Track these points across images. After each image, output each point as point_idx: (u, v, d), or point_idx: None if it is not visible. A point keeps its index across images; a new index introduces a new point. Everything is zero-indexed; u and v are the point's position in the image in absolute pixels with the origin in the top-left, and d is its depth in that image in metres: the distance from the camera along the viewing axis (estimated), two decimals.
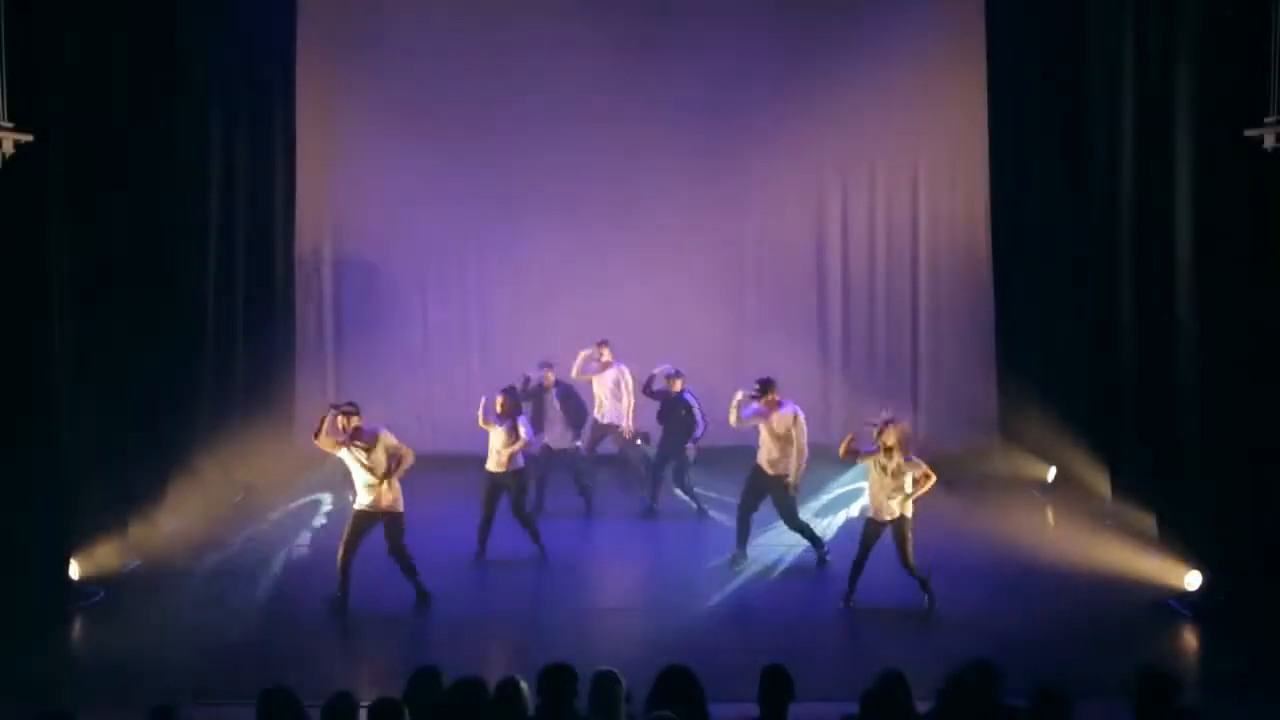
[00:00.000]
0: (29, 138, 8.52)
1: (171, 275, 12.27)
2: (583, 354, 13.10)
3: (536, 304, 15.54)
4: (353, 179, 15.42)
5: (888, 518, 9.74)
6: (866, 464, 9.84)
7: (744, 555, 11.01)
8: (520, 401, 11.49)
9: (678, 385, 12.54)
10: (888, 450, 9.66)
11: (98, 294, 10.72)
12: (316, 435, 9.82)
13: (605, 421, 13.17)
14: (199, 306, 13.10)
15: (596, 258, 15.30)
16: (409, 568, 9.92)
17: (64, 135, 9.93)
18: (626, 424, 13.10)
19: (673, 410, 12.51)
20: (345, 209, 15.64)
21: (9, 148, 8.30)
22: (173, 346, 12.29)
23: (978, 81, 14.85)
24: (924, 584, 9.78)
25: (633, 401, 13.08)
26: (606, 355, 13.11)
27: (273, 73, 14.67)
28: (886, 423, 9.74)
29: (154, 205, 11.82)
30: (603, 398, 13.15)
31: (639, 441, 13.28)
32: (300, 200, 15.16)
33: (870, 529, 9.88)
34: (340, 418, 9.74)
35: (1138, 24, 11.19)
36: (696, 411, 12.43)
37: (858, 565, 9.90)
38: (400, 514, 9.84)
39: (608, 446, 13.50)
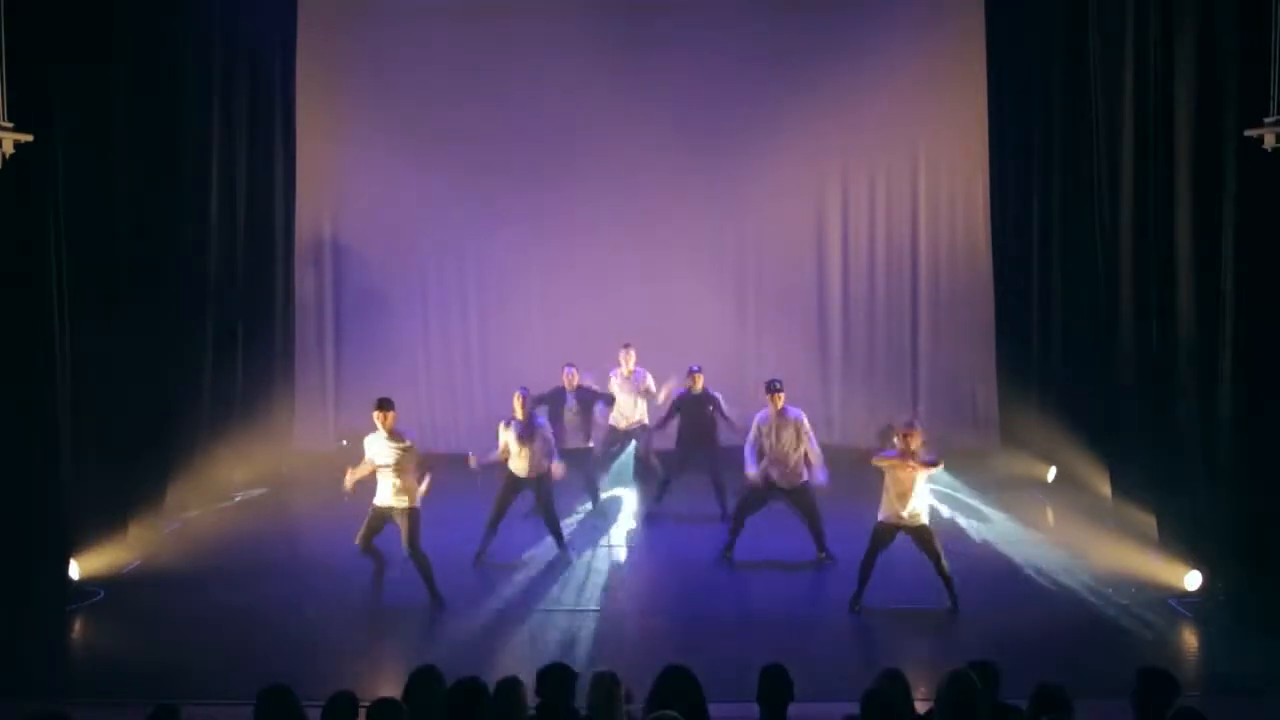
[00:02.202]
0: (29, 138, 8.51)
1: (171, 275, 12.28)
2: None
3: (536, 304, 15.57)
4: (353, 180, 15.43)
5: (901, 523, 9.72)
6: (884, 467, 9.79)
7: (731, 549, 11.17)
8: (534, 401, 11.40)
9: (699, 383, 12.47)
10: (907, 454, 9.64)
11: (97, 294, 10.72)
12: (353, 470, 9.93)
13: (624, 427, 13.12)
14: (199, 306, 13.11)
15: (597, 257, 15.31)
16: (426, 568, 9.89)
17: (64, 135, 9.93)
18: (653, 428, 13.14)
19: (698, 407, 12.42)
20: (345, 210, 15.65)
21: (9, 148, 8.29)
22: (173, 346, 12.30)
23: (978, 81, 14.87)
24: (949, 585, 9.76)
25: (656, 401, 13.10)
26: (632, 360, 13.08)
27: (273, 74, 14.70)
28: (909, 425, 9.72)
29: (154, 206, 11.83)
30: (625, 403, 13.08)
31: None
32: (300, 201, 15.18)
33: (881, 532, 9.82)
34: (378, 413, 9.75)
35: (1138, 23, 11.19)
36: (723, 404, 12.41)
37: (866, 569, 9.80)
38: (417, 509, 9.88)
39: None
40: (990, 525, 12.31)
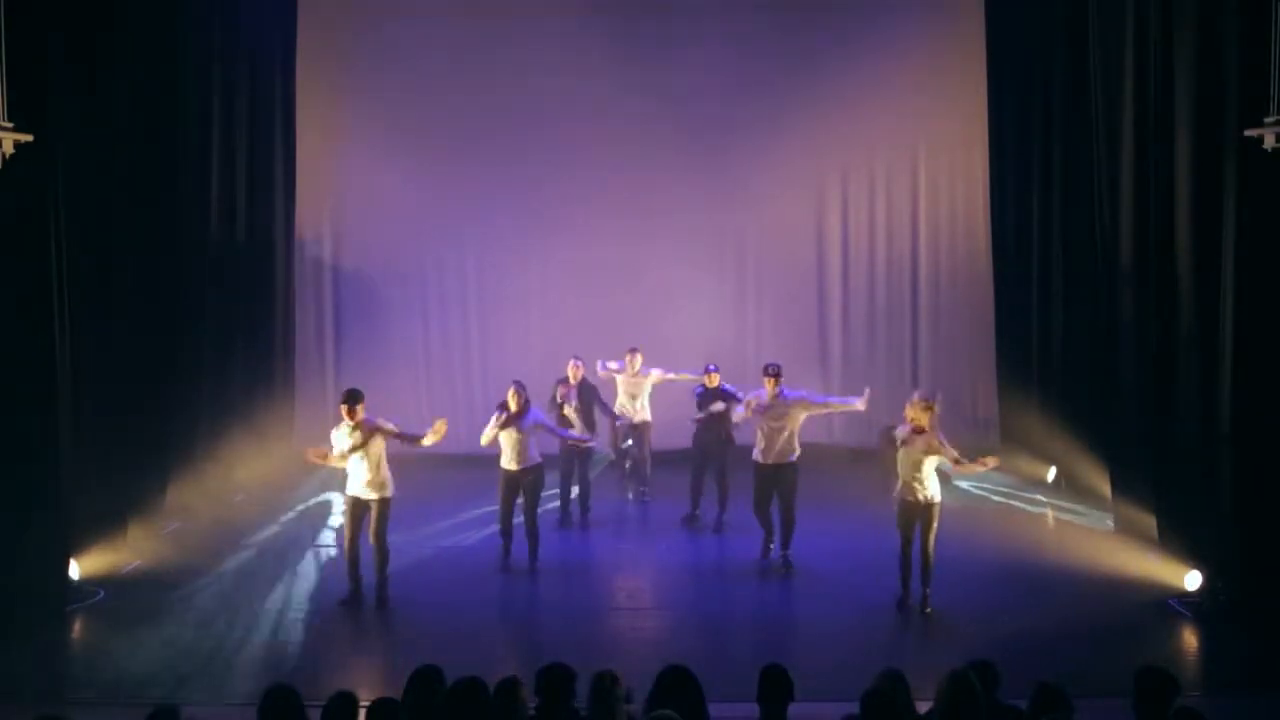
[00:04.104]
0: (29, 138, 8.51)
1: (171, 275, 12.27)
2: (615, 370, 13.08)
3: (537, 303, 15.57)
4: (353, 178, 15.42)
5: (920, 499, 9.69)
6: (900, 439, 9.77)
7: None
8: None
9: (715, 380, 12.30)
10: (918, 429, 9.64)
11: (97, 294, 10.72)
12: (323, 457, 9.94)
13: (636, 421, 13.04)
14: (199, 306, 13.09)
15: (597, 255, 15.30)
16: (384, 559, 9.99)
17: (64, 135, 9.92)
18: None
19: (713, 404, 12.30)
20: (346, 208, 15.65)
21: (9, 148, 8.29)
22: (172, 346, 12.29)
23: (978, 80, 14.87)
24: (927, 577, 9.75)
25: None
26: (638, 363, 13.00)
27: (273, 74, 14.69)
28: (930, 398, 9.74)
29: (154, 206, 11.82)
30: (628, 401, 13.00)
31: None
32: (300, 200, 15.18)
33: (903, 511, 9.78)
34: (345, 408, 9.80)
35: (1138, 23, 11.19)
36: (738, 396, 12.30)
37: (905, 557, 9.80)
38: (389, 499, 9.93)
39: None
40: (990, 525, 12.31)
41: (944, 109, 15.35)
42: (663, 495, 13.18)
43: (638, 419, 13.06)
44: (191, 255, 12.91)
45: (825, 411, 11.23)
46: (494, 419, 10.71)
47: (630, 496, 13.33)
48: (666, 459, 13.48)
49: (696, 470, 12.48)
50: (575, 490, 12.60)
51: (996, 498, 13.44)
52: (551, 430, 11.19)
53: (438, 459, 13.63)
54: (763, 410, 10.81)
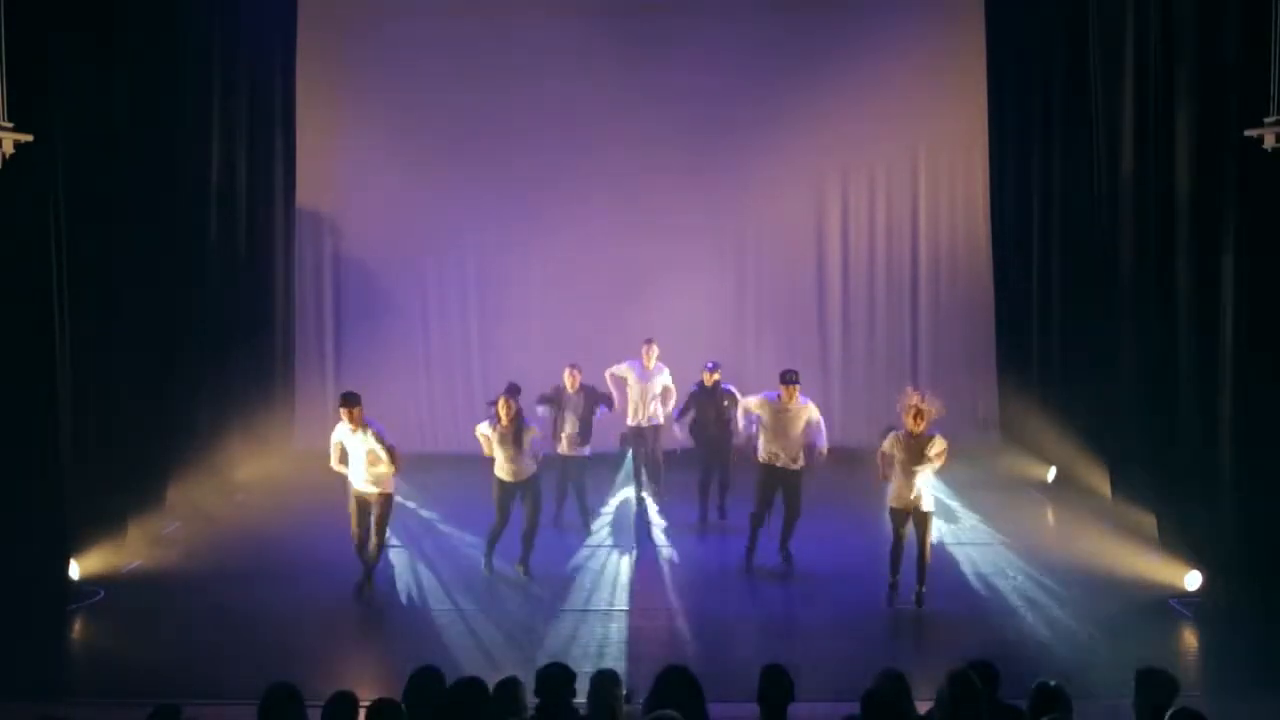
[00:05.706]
0: (29, 138, 8.51)
1: (171, 275, 12.27)
2: (624, 371, 12.80)
3: (537, 303, 15.55)
4: (353, 178, 15.41)
5: (911, 501, 9.69)
6: (894, 450, 9.78)
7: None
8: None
9: (713, 379, 12.20)
10: (915, 435, 9.64)
11: (97, 294, 10.72)
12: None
13: (649, 425, 12.75)
14: (199, 307, 13.09)
15: (597, 256, 15.29)
16: (380, 550, 10.26)
17: (64, 135, 9.92)
18: (671, 427, 12.70)
19: (712, 401, 12.20)
20: (345, 209, 15.64)
21: (9, 148, 8.29)
22: (172, 346, 12.30)
23: (978, 79, 14.88)
24: (923, 575, 9.75)
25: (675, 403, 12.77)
26: (654, 355, 12.72)
27: (273, 74, 14.69)
28: (917, 406, 9.72)
29: (154, 206, 11.82)
30: (642, 400, 12.71)
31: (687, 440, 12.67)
32: (300, 199, 15.18)
33: (895, 518, 9.83)
34: (344, 410, 9.98)
35: (1138, 24, 11.20)
36: (738, 397, 12.03)
37: (895, 558, 9.85)
38: (390, 495, 10.26)
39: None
40: (990, 525, 12.30)
41: (944, 109, 15.34)
42: (664, 495, 13.16)
43: (649, 424, 12.79)
44: (191, 255, 12.91)
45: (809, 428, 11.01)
46: (486, 431, 10.62)
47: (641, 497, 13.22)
48: (668, 459, 13.46)
49: (704, 472, 12.43)
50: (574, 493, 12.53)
51: (997, 498, 13.38)
52: (534, 451, 10.75)
53: (438, 459, 13.66)
54: (775, 413, 10.76)
